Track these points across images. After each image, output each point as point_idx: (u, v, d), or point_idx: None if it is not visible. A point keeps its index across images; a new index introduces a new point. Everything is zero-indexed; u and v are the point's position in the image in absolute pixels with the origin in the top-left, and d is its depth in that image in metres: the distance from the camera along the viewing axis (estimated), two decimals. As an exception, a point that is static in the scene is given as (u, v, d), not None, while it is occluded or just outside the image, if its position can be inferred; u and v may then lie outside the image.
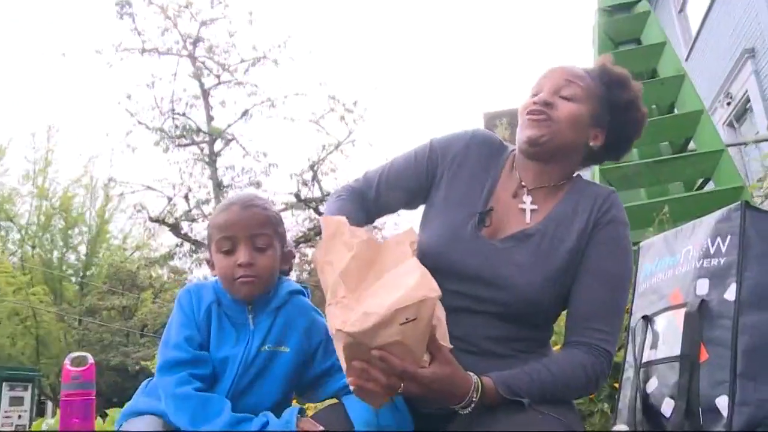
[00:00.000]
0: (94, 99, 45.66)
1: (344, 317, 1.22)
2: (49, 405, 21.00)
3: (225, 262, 1.53)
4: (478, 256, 1.50)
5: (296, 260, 1.82)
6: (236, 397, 1.48)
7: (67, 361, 1.88)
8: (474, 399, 1.30)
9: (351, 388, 1.26)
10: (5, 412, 14.92)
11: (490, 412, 1.32)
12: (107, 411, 3.34)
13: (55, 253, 23.89)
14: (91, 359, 1.88)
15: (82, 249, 24.42)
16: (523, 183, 1.60)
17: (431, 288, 1.24)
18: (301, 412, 1.42)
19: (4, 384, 14.95)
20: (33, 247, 23.44)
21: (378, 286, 1.30)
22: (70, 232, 23.83)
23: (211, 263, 1.58)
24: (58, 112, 45.04)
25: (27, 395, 15.73)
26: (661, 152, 5.14)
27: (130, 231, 25.02)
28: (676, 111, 4.97)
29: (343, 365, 1.24)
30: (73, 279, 24.62)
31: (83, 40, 40.64)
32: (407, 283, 1.25)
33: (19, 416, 15.41)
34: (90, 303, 22.84)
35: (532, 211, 1.56)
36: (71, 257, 24.56)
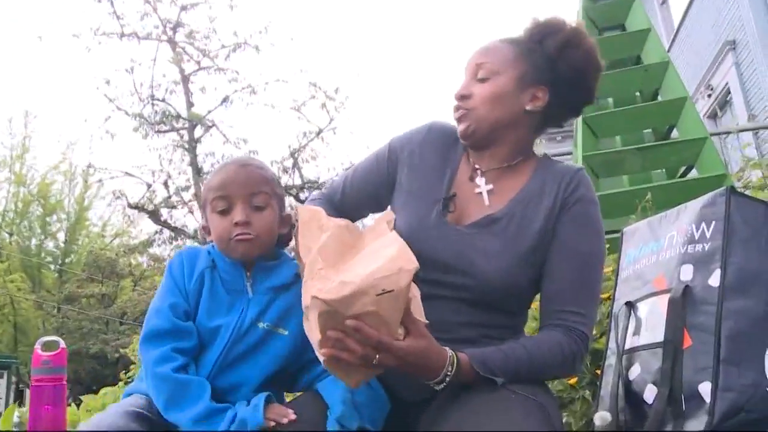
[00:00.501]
0: (72, 84, 45.18)
1: (321, 286, 1.20)
2: (27, 393, 20.86)
3: (221, 223, 1.47)
4: (444, 242, 1.49)
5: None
6: (221, 370, 1.42)
7: (37, 346, 1.82)
8: (449, 373, 1.29)
9: (322, 360, 1.23)
10: (-20, 399, 14.83)
11: (464, 393, 1.32)
12: (81, 397, 3.32)
13: (33, 240, 23.69)
14: (62, 343, 1.82)
15: (61, 236, 24.25)
16: (477, 166, 1.59)
17: (409, 260, 1.23)
18: (269, 399, 1.37)
19: (-21, 371, 14.85)
20: (10, 234, 23.22)
21: (357, 259, 1.29)
22: (48, 219, 23.64)
23: (206, 228, 1.53)
24: (36, 97, 44.48)
25: (2, 382, 15.62)
26: (644, 139, 5.15)
27: (110, 218, 24.93)
28: (659, 98, 4.97)
29: (315, 338, 1.22)
30: (52, 266, 24.42)
31: (60, 23, 40.12)
32: (385, 254, 1.24)
33: (-5, 403, 15.28)
34: (69, 290, 22.70)
35: (489, 192, 1.55)
36: (50, 244, 24.39)
